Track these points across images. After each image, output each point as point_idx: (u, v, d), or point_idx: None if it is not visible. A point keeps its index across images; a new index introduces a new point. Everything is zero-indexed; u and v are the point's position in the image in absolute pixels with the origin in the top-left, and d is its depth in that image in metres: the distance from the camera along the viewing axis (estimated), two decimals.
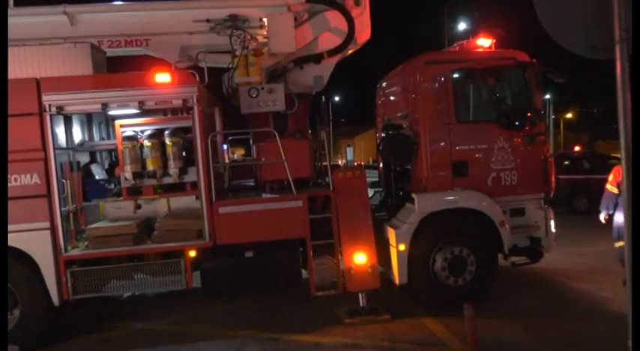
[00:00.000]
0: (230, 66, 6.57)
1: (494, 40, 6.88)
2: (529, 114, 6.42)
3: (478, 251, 6.14)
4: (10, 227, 5.33)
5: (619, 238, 6.55)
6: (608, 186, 6.90)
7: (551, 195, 6.70)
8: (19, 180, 5.41)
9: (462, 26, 23.41)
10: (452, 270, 6.09)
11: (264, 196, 6.06)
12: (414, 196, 6.18)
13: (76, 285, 5.55)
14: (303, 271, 6.13)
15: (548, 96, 24.00)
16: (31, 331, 5.49)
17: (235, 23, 6.54)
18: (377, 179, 7.94)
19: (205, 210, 5.64)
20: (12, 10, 6.66)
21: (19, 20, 6.56)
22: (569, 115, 42.46)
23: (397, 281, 6.08)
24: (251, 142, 6.96)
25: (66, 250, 5.53)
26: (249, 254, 5.86)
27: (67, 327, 6.07)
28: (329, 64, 6.87)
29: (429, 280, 6.10)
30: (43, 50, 5.76)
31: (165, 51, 6.71)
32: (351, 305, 6.11)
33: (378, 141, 7.02)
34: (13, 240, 5.39)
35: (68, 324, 6.11)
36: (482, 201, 6.18)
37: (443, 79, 6.36)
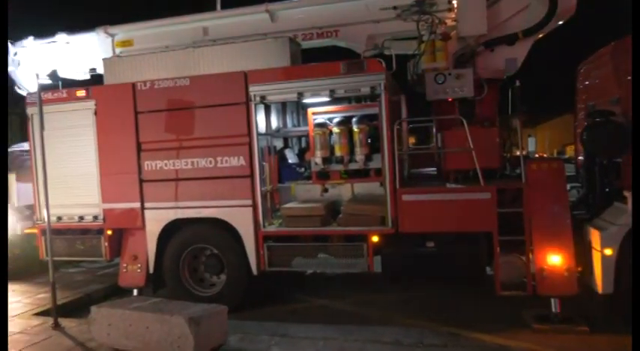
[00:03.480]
0: (416, 52, 6.48)
1: None
2: None
3: None
4: (220, 202, 6.22)
5: None
6: None
7: None
8: (229, 162, 6.15)
9: None
10: None
11: (448, 185, 5.87)
12: (626, 194, 5.31)
13: (271, 258, 6.13)
14: (487, 268, 5.79)
15: None
16: (234, 295, 6.25)
17: (422, 8, 6.41)
18: (573, 173, 7.07)
19: (389, 197, 5.70)
20: (220, 12, 7.58)
21: (227, 21, 7.46)
22: None
23: (600, 290, 5.33)
24: (434, 130, 6.79)
25: (264, 226, 6.14)
26: (430, 244, 5.75)
27: (262, 297, 6.75)
28: (524, 45, 6.30)
29: None
30: (247, 46, 6.41)
31: (353, 40, 6.95)
32: (538, 310, 5.59)
33: (580, 130, 6.21)
34: (222, 214, 6.23)
35: (263, 294, 6.79)
36: None
37: None
